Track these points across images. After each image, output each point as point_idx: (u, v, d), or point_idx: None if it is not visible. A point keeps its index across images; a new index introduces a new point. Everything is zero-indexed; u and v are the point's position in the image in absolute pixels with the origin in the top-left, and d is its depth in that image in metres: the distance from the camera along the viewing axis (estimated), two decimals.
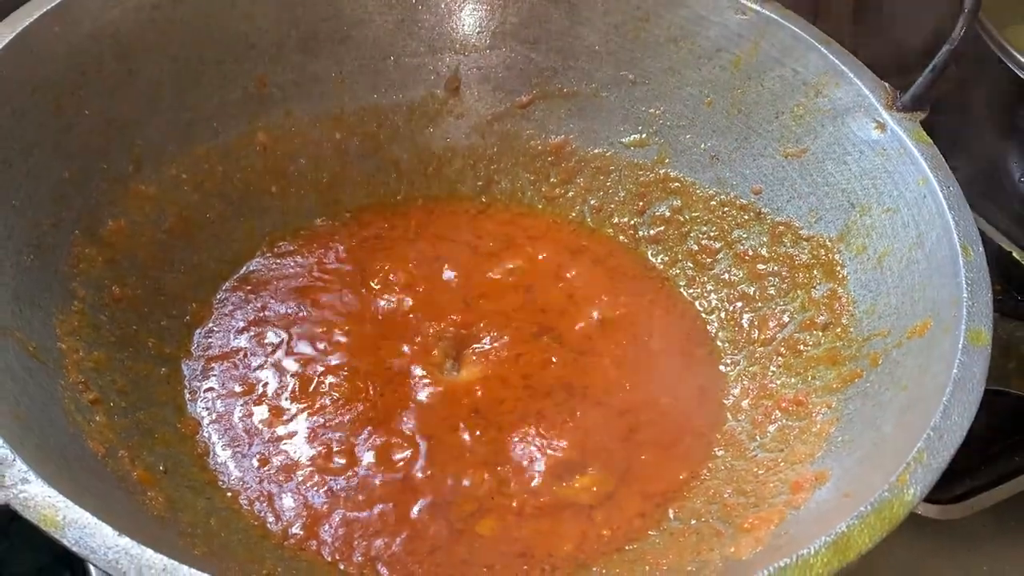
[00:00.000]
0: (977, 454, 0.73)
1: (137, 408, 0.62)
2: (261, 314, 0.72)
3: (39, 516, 0.43)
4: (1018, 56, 0.81)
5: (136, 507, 0.53)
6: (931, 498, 0.70)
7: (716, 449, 0.66)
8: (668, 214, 0.79)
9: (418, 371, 0.69)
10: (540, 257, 0.79)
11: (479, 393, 0.69)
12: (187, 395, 0.67)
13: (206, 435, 0.65)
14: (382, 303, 0.74)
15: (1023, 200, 0.84)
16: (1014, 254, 0.85)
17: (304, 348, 0.70)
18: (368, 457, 0.64)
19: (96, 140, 0.68)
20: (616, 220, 0.81)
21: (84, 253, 0.65)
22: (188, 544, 0.53)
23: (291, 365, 0.69)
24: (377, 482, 0.63)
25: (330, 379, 0.68)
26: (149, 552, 0.42)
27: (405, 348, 0.71)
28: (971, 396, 0.52)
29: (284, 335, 0.71)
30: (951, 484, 0.71)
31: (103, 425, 0.58)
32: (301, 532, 0.60)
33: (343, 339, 0.71)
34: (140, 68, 0.70)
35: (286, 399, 0.67)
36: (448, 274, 0.77)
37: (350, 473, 0.63)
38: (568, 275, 0.78)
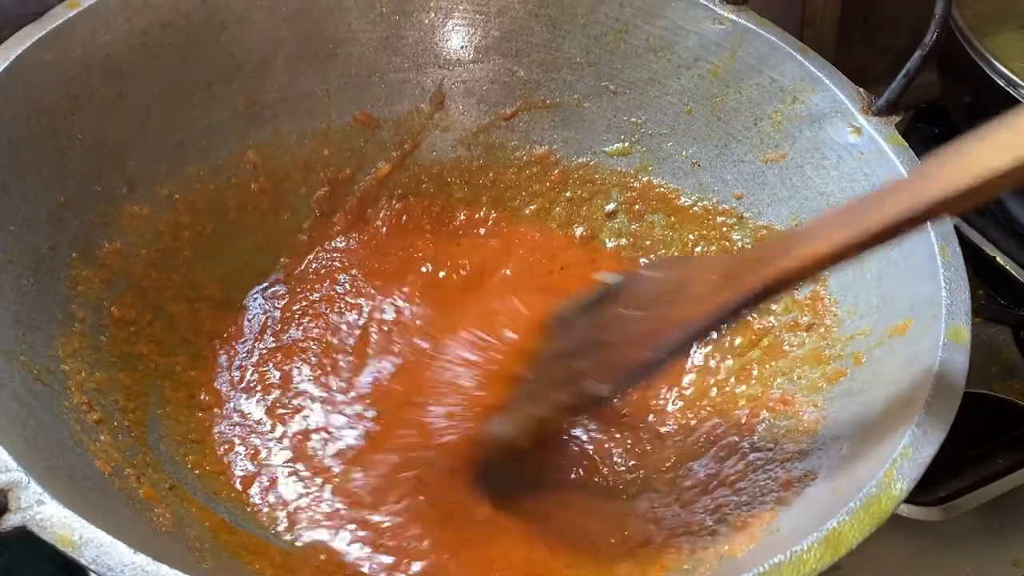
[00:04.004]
0: (961, 457, 0.74)
1: (140, 426, 0.63)
2: (257, 329, 0.73)
3: (56, 537, 0.44)
4: (999, 65, 0.82)
5: (144, 524, 0.54)
6: (915, 500, 0.71)
7: (710, 449, 0.67)
8: (653, 220, 0.81)
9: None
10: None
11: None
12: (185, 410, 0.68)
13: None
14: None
15: (1002, 207, 0.86)
16: (998, 259, 0.86)
17: (305, 370, 0.71)
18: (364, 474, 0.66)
19: (90, 163, 0.69)
20: (601, 226, 0.83)
21: (82, 275, 0.66)
22: (197, 559, 0.54)
23: (288, 382, 0.70)
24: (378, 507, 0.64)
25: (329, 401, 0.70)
26: (164, 568, 0.44)
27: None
28: (953, 391, 0.54)
29: (283, 354, 0.72)
30: (935, 486, 0.72)
31: (108, 444, 0.59)
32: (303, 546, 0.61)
33: (343, 361, 0.72)
34: (131, 92, 0.71)
35: (284, 417, 0.68)
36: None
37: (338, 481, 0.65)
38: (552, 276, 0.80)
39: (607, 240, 0.82)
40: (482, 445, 0.66)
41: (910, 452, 0.51)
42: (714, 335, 0.57)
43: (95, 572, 0.44)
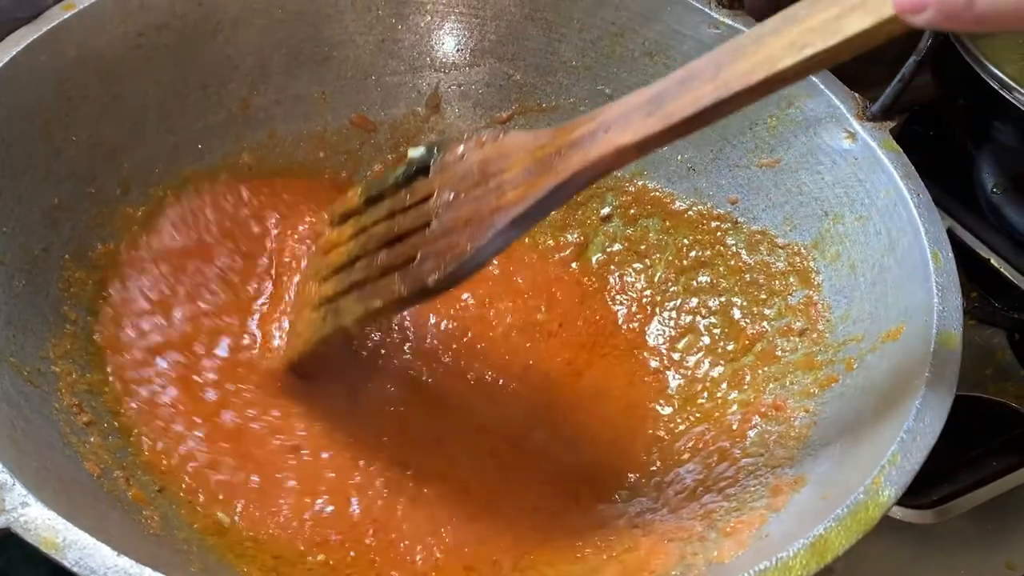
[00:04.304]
0: (955, 459, 0.74)
1: (130, 428, 0.63)
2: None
3: (39, 539, 0.44)
4: (993, 68, 0.82)
5: (132, 526, 0.54)
6: (910, 503, 0.71)
7: (697, 454, 0.67)
8: (647, 224, 0.81)
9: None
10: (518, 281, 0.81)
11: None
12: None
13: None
14: None
15: (996, 210, 0.85)
16: (992, 261, 0.86)
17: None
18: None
19: (84, 165, 0.69)
20: (595, 230, 0.83)
21: (74, 277, 0.66)
22: (184, 561, 0.54)
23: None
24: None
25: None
26: (148, 571, 0.44)
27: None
28: (943, 398, 0.54)
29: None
30: (929, 489, 0.72)
31: (97, 446, 0.59)
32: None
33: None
34: (126, 93, 0.71)
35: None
36: None
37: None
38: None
39: (602, 245, 0.82)
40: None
41: (898, 459, 0.51)
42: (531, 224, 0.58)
43: (78, 574, 0.44)
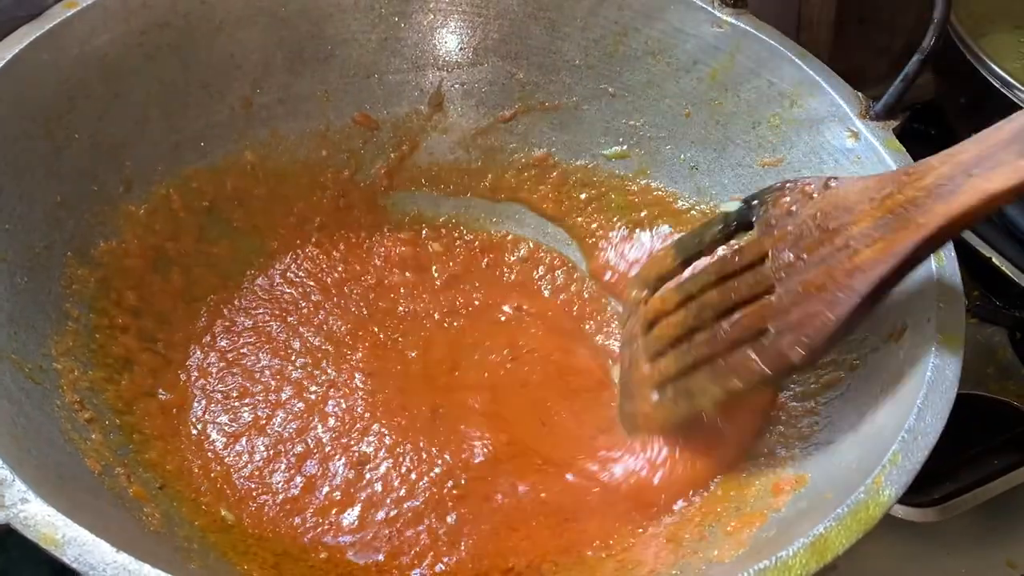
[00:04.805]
0: (957, 457, 0.74)
1: (132, 426, 0.63)
2: (254, 331, 0.73)
3: (39, 535, 0.44)
4: (994, 66, 0.82)
5: (133, 523, 0.54)
6: (911, 502, 0.71)
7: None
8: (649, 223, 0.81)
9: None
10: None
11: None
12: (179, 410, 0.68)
13: (200, 449, 0.66)
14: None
15: (1000, 210, 0.85)
16: (993, 260, 0.86)
17: (299, 373, 0.71)
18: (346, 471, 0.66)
19: (86, 163, 0.69)
20: (599, 232, 0.83)
21: (77, 274, 0.66)
22: (184, 559, 0.54)
23: (286, 389, 0.70)
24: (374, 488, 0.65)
25: (330, 403, 0.69)
26: (147, 567, 0.44)
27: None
28: (944, 399, 0.54)
29: (279, 356, 0.72)
30: (931, 487, 0.72)
31: (99, 443, 0.59)
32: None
33: (341, 363, 0.72)
34: (128, 92, 0.71)
35: (280, 419, 0.68)
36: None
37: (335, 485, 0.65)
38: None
39: None
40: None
41: (899, 459, 0.51)
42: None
43: (77, 570, 0.44)
